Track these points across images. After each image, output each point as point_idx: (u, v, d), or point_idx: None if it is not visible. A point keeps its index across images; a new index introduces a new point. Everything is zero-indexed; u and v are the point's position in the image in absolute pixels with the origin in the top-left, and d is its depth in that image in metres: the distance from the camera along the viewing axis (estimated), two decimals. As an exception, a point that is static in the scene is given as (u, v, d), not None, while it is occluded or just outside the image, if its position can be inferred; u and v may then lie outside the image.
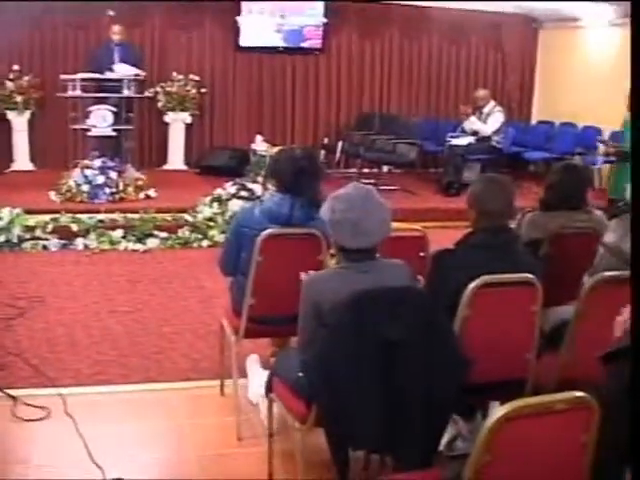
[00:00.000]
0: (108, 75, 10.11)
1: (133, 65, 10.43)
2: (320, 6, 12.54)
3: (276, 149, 6.41)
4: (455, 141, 11.41)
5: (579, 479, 2.50)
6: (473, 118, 11.36)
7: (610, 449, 2.54)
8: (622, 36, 11.67)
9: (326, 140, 12.74)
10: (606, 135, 11.81)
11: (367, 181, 9.36)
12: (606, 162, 8.89)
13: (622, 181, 8.00)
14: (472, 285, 3.45)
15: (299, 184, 4.32)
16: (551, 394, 2.48)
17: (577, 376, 3.54)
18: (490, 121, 11.34)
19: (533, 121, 13.82)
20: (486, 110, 11.40)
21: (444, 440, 3.42)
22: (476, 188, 3.93)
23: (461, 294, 3.47)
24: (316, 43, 12.69)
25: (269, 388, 3.78)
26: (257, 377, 4.57)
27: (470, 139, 11.32)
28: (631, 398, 2.22)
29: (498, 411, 2.27)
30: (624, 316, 2.95)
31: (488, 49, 13.59)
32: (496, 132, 11.30)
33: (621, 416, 2.55)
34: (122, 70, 10.29)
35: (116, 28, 10.59)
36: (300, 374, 3.36)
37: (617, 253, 4.00)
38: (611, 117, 11.48)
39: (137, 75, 10.38)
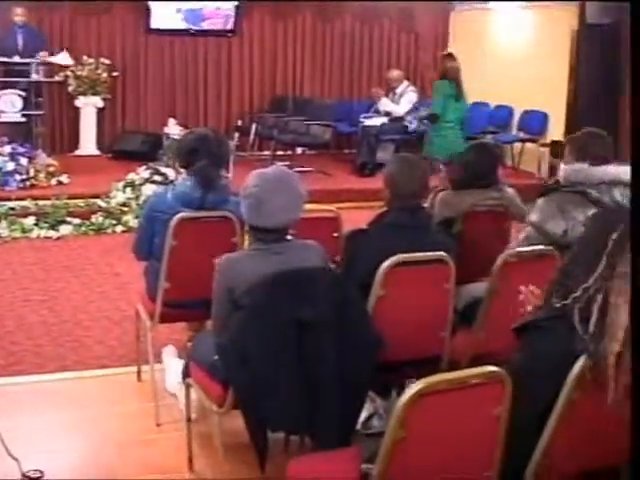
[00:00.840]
0: (15, 59, 9.92)
1: (38, 48, 10.23)
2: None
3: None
4: (368, 122, 11.47)
5: (493, 452, 2.55)
6: (385, 99, 11.43)
7: (522, 418, 2.59)
8: (531, 18, 11.86)
9: (240, 122, 12.67)
10: (517, 115, 12.06)
11: (281, 163, 9.36)
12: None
13: (437, 142, 8.77)
14: (385, 264, 3.47)
15: (192, 165, 4.32)
16: (465, 369, 2.53)
17: (490, 351, 3.61)
18: (403, 101, 11.40)
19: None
20: (399, 90, 11.47)
21: (361, 419, 3.45)
22: (391, 168, 3.97)
23: (374, 273, 3.49)
24: (217, 22, 12.53)
25: (186, 373, 3.77)
26: (174, 368, 4.53)
27: (383, 119, 11.38)
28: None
29: (411, 388, 2.30)
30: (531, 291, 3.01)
31: (401, 30, 13.63)
32: (409, 112, 11.38)
33: (532, 386, 2.60)
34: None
35: (18, 10, 10.37)
36: (216, 357, 3.35)
37: (542, 233, 4.06)
38: (522, 97, 11.71)
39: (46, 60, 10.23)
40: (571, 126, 10.60)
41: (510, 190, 4.92)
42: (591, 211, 3.92)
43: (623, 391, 2.50)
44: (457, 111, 8.82)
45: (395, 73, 11.79)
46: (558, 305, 2.62)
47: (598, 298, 2.53)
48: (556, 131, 11.15)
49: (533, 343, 2.65)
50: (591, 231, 2.69)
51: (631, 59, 2.48)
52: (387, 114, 11.42)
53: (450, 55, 9.14)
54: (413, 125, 11.37)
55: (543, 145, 11.46)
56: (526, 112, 11.93)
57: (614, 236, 2.56)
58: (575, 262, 2.66)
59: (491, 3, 12.50)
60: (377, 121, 11.38)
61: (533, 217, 4.14)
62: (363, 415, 3.35)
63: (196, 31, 12.49)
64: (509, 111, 12.26)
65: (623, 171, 4.04)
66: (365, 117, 11.63)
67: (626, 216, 2.60)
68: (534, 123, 11.81)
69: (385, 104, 11.40)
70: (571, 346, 2.52)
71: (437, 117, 8.68)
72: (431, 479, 2.50)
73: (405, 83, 11.60)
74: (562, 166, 4.23)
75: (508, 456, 2.59)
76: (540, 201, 4.18)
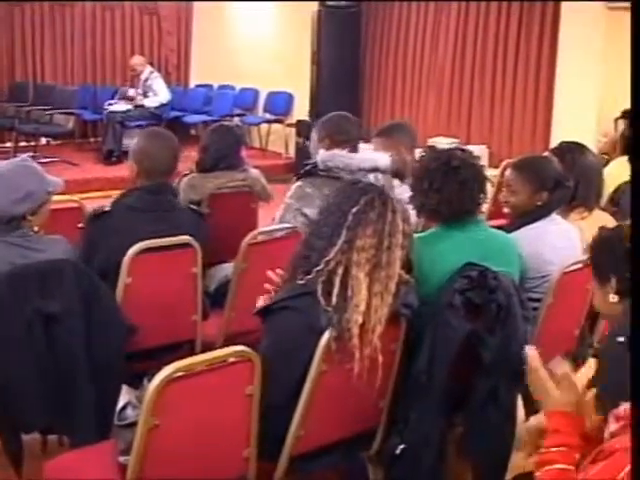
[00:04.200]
0: None
1: None
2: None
3: None
4: (113, 108, 11.25)
5: (248, 431, 2.59)
6: (145, 99, 11.26)
7: (276, 396, 2.63)
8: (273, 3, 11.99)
9: (-23, 114, 12.09)
10: (262, 96, 12.23)
11: (25, 155, 9.02)
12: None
13: None
14: (130, 252, 3.41)
15: None
16: (213, 351, 2.54)
17: (243, 331, 3.66)
18: (159, 90, 11.31)
19: (191, 85, 13.90)
20: (144, 76, 11.34)
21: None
22: (140, 142, 3.86)
23: (118, 258, 3.43)
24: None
25: None
26: None
27: (129, 106, 11.21)
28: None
29: (158, 375, 2.30)
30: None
31: (143, 14, 13.43)
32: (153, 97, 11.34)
33: (282, 364, 2.65)
34: None
35: None
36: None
37: (303, 215, 4.09)
38: (267, 78, 11.87)
39: None
40: (315, 105, 10.85)
41: (254, 171, 4.95)
42: None
43: (368, 361, 2.61)
44: None
45: (138, 59, 11.68)
46: (302, 282, 2.67)
47: (339, 271, 2.61)
48: (301, 111, 11.37)
49: (278, 324, 2.69)
50: (332, 204, 2.74)
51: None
52: (132, 99, 11.29)
53: None
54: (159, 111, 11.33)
55: (289, 125, 11.67)
56: (271, 93, 12.11)
57: (354, 210, 2.64)
58: (317, 235, 2.72)
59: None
60: (122, 107, 11.19)
61: (291, 200, 4.11)
62: (118, 406, 3.29)
63: None
64: (255, 93, 12.41)
65: (380, 157, 4.18)
66: (110, 103, 11.39)
67: (368, 191, 2.70)
68: (279, 104, 12.03)
69: (148, 100, 11.25)
70: (317, 320, 2.58)
71: None
72: (189, 464, 2.51)
73: (149, 69, 11.50)
74: (321, 151, 4.23)
75: (265, 434, 2.64)
76: (298, 184, 4.14)
